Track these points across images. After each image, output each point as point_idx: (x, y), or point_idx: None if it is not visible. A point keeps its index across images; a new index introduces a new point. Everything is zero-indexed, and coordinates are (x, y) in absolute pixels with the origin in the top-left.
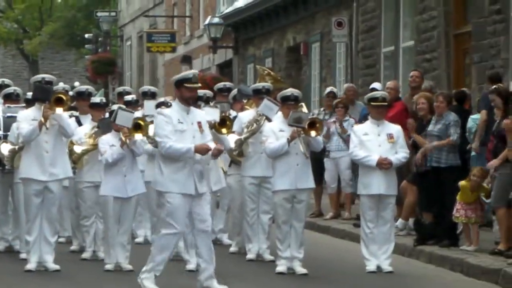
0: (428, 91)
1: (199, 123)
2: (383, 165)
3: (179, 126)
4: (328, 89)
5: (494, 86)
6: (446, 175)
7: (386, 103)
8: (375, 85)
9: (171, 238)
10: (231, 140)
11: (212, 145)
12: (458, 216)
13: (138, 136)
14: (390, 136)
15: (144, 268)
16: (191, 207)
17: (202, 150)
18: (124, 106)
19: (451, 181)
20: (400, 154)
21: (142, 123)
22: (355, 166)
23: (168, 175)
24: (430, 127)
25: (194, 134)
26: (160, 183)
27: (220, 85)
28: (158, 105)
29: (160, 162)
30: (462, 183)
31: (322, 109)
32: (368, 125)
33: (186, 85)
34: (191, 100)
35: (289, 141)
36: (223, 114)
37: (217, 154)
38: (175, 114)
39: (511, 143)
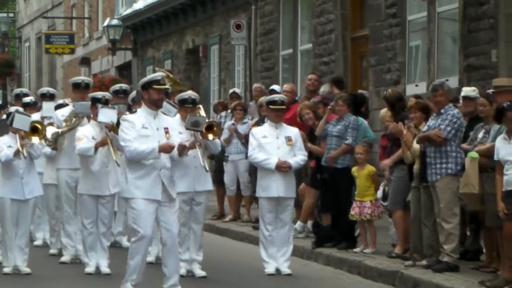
0: (326, 97)
1: (165, 128)
2: (283, 168)
3: (143, 131)
4: (231, 90)
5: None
6: (342, 176)
7: (284, 107)
8: (275, 87)
9: (138, 244)
10: None
11: (176, 143)
12: (353, 214)
13: (35, 140)
14: (288, 139)
15: (123, 279)
16: (158, 214)
17: (166, 148)
18: (21, 109)
19: (347, 182)
20: (298, 157)
21: (39, 126)
22: (253, 169)
23: (132, 181)
24: (330, 128)
25: (159, 139)
26: (125, 190)
27: (116, 87)
28: (57, 107)
29: (127, 169)
30: (353, 169)
31: (229, 111)
32: (267, 128)
33: (155, 86)
34: (160, 103)
35: (187, 149)
36: (119, 115)
37: (182, 150)
38: (140, 119)
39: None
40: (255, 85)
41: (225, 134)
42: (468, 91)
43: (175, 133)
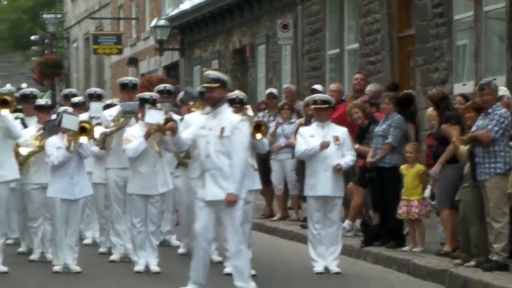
0: (373, 96)
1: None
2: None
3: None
4: (268, 91)
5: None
6: (389, 175)
7: (326, 106)
8: (316, 86)
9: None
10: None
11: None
12: (401, 213)
13: (83, 139)
14: (336, 138)
15: None
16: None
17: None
18: (69, 109)
19: (395, 181)
20: (347, 157)
21: (87, 126)
22: (300, 168)
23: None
24: (377, 128)
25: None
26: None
27: (160, 87)
28: (105, 107)
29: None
30: (401, 167)
31: (266, 111)
32: (314, 127)
33: None
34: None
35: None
36: (166, 116)
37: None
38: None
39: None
40: (285, 86)
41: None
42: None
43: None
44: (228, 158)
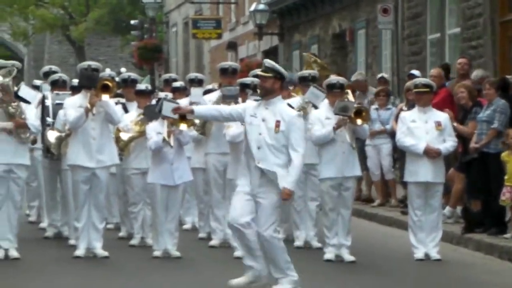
0: (478, 81)
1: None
2: (431, 153)
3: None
4: (380, 75)
5: None
6: (493, 161)
7: (427, 89)
8: (414, 71)
9: None
10: None
11: None
12: (504, 200)
13: (184, 127)
14: (438, 124)
15: None
16: None
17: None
18: (169, 96)
19: (497, 167)
20: (448, 143)
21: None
22: (400, 154)
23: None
24: (480, 114)
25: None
26: None
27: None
28: (205, 92)
29: None
30: (503, 155)
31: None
32: (416, 113)
33: None
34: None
35: (335, 129)
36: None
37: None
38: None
39: None
40: (354, 77)
41: None
42: None
43: None
44: (280, 153)
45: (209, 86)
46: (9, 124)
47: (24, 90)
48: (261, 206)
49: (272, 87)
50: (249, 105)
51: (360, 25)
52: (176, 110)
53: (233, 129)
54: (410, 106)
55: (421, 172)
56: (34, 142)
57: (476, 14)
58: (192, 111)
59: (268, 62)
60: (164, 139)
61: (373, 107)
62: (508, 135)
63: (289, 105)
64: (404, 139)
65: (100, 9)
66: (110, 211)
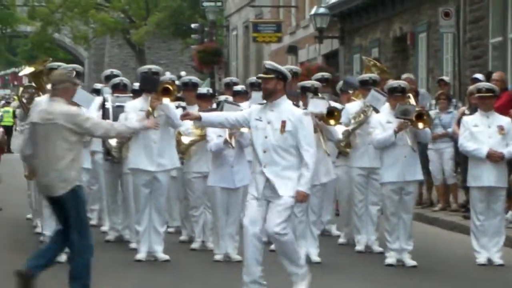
0: None
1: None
2: (494, 157)
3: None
4: (440, 78)
5: None
6: None
7: (491, 94)
8: (478, 75)
9: None
10: (339, 131)
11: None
12: None
13: (245, 129)
14: (500, 128)
15: None
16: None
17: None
18: (230, 99)
19: None
20: (511, 147)
21: None
22: (462, 158)
23: None
24: None
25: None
26: None
27: (318, 75)
28: None
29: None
30: None
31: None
32: (478, 117)
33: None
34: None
35: (396, 132)
36: (329, 106)
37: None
38: None
39: None
40: (404, 75)
41: None
42: None
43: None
44: (288, 154)
45: None
46: None
47: (80, 95)
48: (270, 206)
49: (275, 87)
50: (254, 109)
51: (421, 29)
52: (184, 116)
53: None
54: (473, 110)
55: (484, 176)
56: None
57: None
58: (199, 118)
59: (269, 63)
60: (225, 141)
61: (434, 111)
62: None
63: (295, 105)
64: (466, 143)
65: (160, 12)
66: (171, 214)
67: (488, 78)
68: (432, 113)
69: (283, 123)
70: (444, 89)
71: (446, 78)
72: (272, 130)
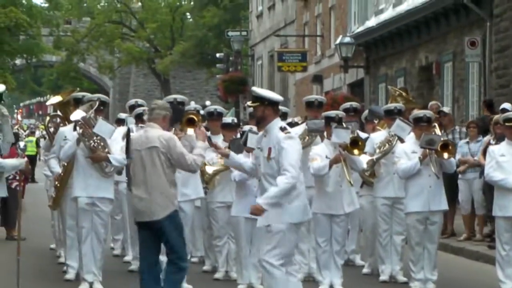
0: None
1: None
2: None
3: None
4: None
5: None
6: None
7: None
8: (506, 105)
9: None
10: (363, 160)
11: None
12: None
13: None
14: None
15: None
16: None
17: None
18: (254, 128)
19: None
20: None
21: None
22: (488, 187)
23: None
24: None
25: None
26: None
27: (347, 105)
28: (288, 125)
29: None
30: None
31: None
32: (504, 146)
33: None
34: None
35: (421, 159)
36: (352, 135)
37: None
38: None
39: None
40: (431, 102)
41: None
42: None
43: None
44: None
45: (290, 120)
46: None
47: (100, 126)
48: (264, 232)
49: (263, 114)
50: (258, 137)
51: (447, 58)
52: (212, 145)
53: (317, 162)
54: (498, 140)
55: (511, 206)
56: (119, 173)
57: None
58: (228, 156)
59: (254, 90)
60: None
61: (464, 140)
62: None
63: (282, 128)
64: (493, 173)
65: (186, 42)
66: (195, 244)
67: (491, 107)
68: (462, 142)
69: (269, 150)
70: (444, 120)
71: (446, 109)
72: (263, 158)
